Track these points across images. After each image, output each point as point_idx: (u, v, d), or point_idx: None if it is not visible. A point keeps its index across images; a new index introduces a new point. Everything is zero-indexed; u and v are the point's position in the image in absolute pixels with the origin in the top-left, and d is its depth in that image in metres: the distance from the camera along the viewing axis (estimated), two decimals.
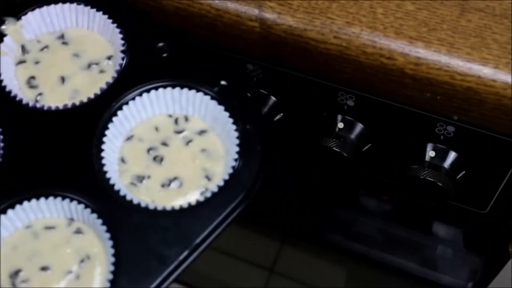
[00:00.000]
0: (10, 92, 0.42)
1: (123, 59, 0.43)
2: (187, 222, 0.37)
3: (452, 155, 0.43)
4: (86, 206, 0.38)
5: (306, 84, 0.44)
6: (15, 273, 0.37)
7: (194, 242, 0.36)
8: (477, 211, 0.48)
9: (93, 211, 0.38)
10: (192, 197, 0.39)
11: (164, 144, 0.42)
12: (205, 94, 0.42)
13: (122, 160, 0.41)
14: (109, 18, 0.45)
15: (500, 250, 0.55)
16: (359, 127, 0.44)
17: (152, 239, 0.37)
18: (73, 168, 0.40)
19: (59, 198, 0.39)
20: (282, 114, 0.47)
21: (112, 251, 0.37)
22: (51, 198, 0.39)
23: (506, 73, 0.37)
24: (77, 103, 0.42)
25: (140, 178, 0.41)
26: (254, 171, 0.38)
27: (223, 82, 0.42)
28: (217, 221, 0.37)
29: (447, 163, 0.43)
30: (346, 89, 0.42)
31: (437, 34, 0.39)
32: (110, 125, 0.41)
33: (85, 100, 0.42)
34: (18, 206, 0.38)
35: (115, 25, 0.45)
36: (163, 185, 0.40)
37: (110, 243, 0.37)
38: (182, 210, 0.38)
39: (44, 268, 0.38)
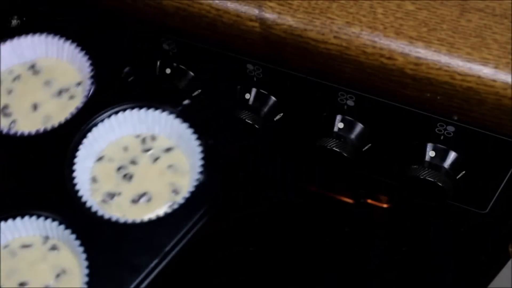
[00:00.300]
0: None
1: (91, 84, 0.46)
2: (156, 233, 0.39)
3: (452, 155, 0.43)
4: (60, 223, 0.41)
5: (306, 84, 0.44)
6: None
7: (163, 251, 0.39)
8: (477, 211, 0.48)
9: (67, 228, 0.40)
10: (161, 210, 0.42)
11: (133, 162, 0.45)
12: (170, 113, 0.45)
13: (94, 180, 0.44)
14: (77, 47, 0.48)
15: (500, 250, 0.55)
16: (359, 127, 0.44)
17: (123, 251, 0.39)
18: (47, 188, 0.42)
19: (34, 217, 0.41)
20: (282, 114, 0.47)
21: (86, 263, 0.39)
22: (27, 218, 0.41)
23: (506, 73, 0.37)
24: (49, 128, 0.45)
25: (111, 195, 0.43)
26: (217, 183, 0.42)
27: (185, 102, 0.45)
28: (184, 230, 0.39)
29: (447, 163, 0.43)
30: (346, 89, 0.42)
31: (437, 34, 0.39)
32: (81, 147, 0.44)
33: (56, 125, 0.45)
34: None
35: (83, 53, 0.48)
36: (133, 201, 0.43)
37: (84, 256, 0.39)
38: (150, 222, 0.41)
39: (22, 284, 0.40)
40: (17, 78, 0.49)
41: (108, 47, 0.46)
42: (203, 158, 0.43)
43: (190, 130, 0.44)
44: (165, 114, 0.45)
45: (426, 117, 0.41)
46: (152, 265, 0.38)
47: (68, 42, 0.48)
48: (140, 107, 0.45)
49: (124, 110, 0.46)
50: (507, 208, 0.48)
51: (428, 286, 0.71)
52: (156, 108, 0.45)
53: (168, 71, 0.48)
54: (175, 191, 0.43)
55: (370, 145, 0.46)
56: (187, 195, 0.42)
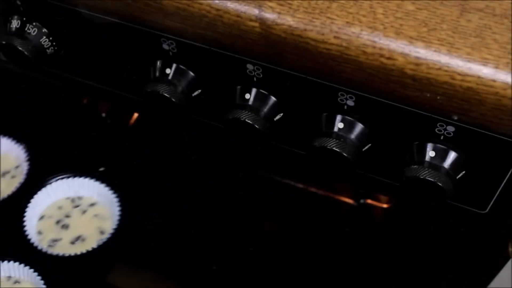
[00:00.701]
0: None
1: (28, 166, 0.64)
2: (91, 260, 0.58)
3: (452, 155, 0.43)
4: (20, 263, 0.56)
5: (306, 84, 0.44)
6: None
7: (99, 269, 0.57)
8: (477, 211, 0.48)
9: (25, 266, 0.56)
10: (92, 245, 0.59)
11: (67, 216, 0.63)
12: (90, 178, 0.64)
13: (39, 233, 0.61)
14: (14, 140, 0.66)
15: (500, 250, 0.55)
16: (359, 127, 0.44)
17: (70, 276, 0.55)
18: (5, 241, 0.58)
19: (5, 262, 0.56)
20: (282, 114, 0.47)
21: (43, 283, 0.54)
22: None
23: (506, 73, 0.37)
24: (1, 199, 0.61)
25: (55, 241, 0.61)
26: (131, 222, 0.61)
27: (101, 169, 0.65)
28: (112, 254, 0.58)
29: (447, 163, 0.43)
30: (346, 89, 0.42)
31: (437, 34, 0.39)
32: (27, 210, 0.60)
33: (6, 197, 0.61)
34: None
35: (19, 144, 0.65)
36: (72, 243, 0.61)
37: (42, 282, 0.54)
38: (86, 253, 0.58)
39: None
40: None
41: (39, 137, 0.63)
42: (120, 207, 0.62)
43: (107, 188, 0.63)
44: (86, 179, 0.64)
45: (426, 117, 0.41)
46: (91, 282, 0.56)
47: (5, 138, 0.66)
48: (68, 177, 0.64)
49: (56, 180, 0.63)
50: (507, 208, 0.48)
51: (428, 286, 0.71)
52: (79, 176, 0.64)
53: (168, 71, 0.48)
54: (102, 232, 0.62)
55: (370, 145, 0.46)
56: (110, 233, 0.60)
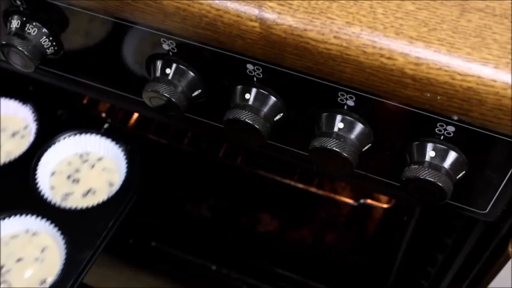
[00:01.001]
0: None
1: (36, 126, 0.67)
2: (103, 212, 0.62)
3: (452, 155, 0.43)
4: (37, 217, 0.61)
5: (306, 84, 0.43)
6: (0, 268, 0.59)
7: (110, 222, 0.61)
8: (477, 211, 0.48)
9: (42, 219, 0.61)
10: (103, 198, 0.63)
11: (77, 171, 0.67)
12: (96, 134, 0.67)
13: (52, 188, 0.65)
14: (20, 101, 0.70)
15: (500, 250, 0.55)
16: (359, 127, 0.44)
17: (83, 227, 0.60)
18: (24, 198, 0.62)
19: (18, 216, 0.61)
20: (282, 114, 0.47)
21: (62, 238, 0.59)
22: (12, 217, 0.61)
23: (506, 73, 0.37)
24: (12, 159, 0.65)
25: (67, 195, 0.65)
26: (138, 175, 0.65)
27: (105, 125, 0.68)
28: (121, 208, 0.62)
29: (447, 163, 0.43)
30: (346, 89, 0.42)
31: (437, 34, 0.39)
32: (38, 167, 0.64)
33: (17, 156, 0.66)
34: None
35: (26, 105, 0.69)
36: (83, 196, 0.65)
37: (59, 233, 0.59)
38: (98, 206, 0.62)
39: (19, 260, 0.60)
40: None
41: (45, 98, 0.65)
42: (126, 160, 0.65)
43: (112, 143, 0.67)
44: (93, 135, 0.67)
45: (426, 117, 0.41)
46: (109, 225, 0.60)
47: (13, 99, 0.69)
48: (75, 134, 0.67)
49: (63, 138, 0.67)
50: (507, 208, 0.48)
51: (428, 286, 0.71)
52: (86, 133, 0.67)
53: (168, 71, 0.48)
54: (111, 184, 0.65)
55: (370, 145, 0.46)
56: (118, 186, 0.64)
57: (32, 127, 0.68)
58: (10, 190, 0.63)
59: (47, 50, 0.53)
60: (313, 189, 1.04)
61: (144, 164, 0.65)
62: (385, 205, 1.02)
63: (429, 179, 0.42)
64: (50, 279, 0.58)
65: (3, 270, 0.59)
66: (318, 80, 0.43)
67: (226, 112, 0.46)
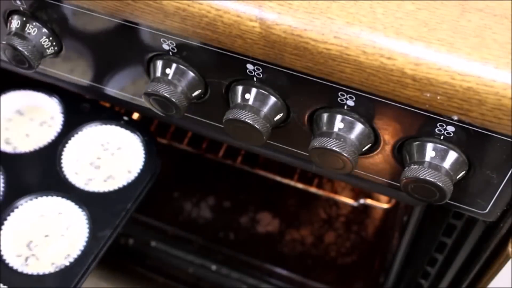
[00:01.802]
0: None
1: (63, 116, 0.74)
2: (122, 195, 0.68)
3: (452, 155, 0.43)
4: (62, 198, 0.68)
5: (306, 84, 0.44)
6: (29, 242, 0.66)
7: (128, 204, 0.68)
8: (477, 211, 0.48)
9: (67, 199, 0.68)
10: (122, 183, 0.70)
11: (99, 158, 0.73)
12: (116, 125, 0.73)
13: (76, 173, 0.71)
14: (46, 94, 0.75)
15: (500, 250, 0.55)
16: (359, 127, 0.44)
17: (105, 206, 0.67)
18: (50, 182, 0.70)
19: (46, 196, 0.68)
20: (282, 114, 0.47)
21: (86, 217, 0.66)
22: (42, 197, 0.68)
23: (506, 73, 0.37)
24: (42, 146, 0.72)
25: (90, 180, 0.71)
26: (154, 164, 0.71)
27: (125, 118, 0.73)
28: (138, 192, 0.69)
29: (447, 163, 0.43)
30: (346, 89, 0.42)
31: (437, 34, 0.39)
32: (62, 156, 0.71)
33: (46, 144, 0.72)
34: (25, 205, 0.68)
35: (53, 97, 0.75)
36: (104, 181, 0.71)
37: (83, 213, 0.67)
38: (117, 190, 0.69)
39: (46, 236, 0.67)
40: (10, 120, 0.76)
41: (70, 93, 0.66)
42: (144, 149, 0.72)
43: (131, 134, 0.73)
44: (113, 126, 0.73)
45: (426, 117, 0.41)
46: (123, 212, 0.67)
47: (43, 93, 0.75)
48: (96, 125, 0.73)
49: (87, 128, 0.73)
50: (507, 208, 0.48)
51: (428, 286, 0.71)
52: (107, 124, 0.73)
53: (168, 71, 0.48)
54: (129, 171, 0.71)
55: (370, 145, 0.46)
56: (136, 173, 0.70)
57: (59, 117, 0.74)
58: (39, 174, 0.70)
59: (47, 50, 0.53)
60: (313, 189, 1.04)
61: (159, 154, 0.72)
62: (385, 205, 1.02)
63: (429, 179, 0.42)
64: (74, 254, 0.65)
65: (32, 245, 0.66)
66: (318, 80, 0.43)
67: (226, 112, 0.46)
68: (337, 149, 0.43)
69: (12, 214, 0.67)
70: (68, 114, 0.75)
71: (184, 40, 0.46)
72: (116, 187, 0.69)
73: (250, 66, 0.45)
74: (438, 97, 0.39)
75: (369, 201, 1.03)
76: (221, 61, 0.46)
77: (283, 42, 0.41)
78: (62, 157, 0.71)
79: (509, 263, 0.55)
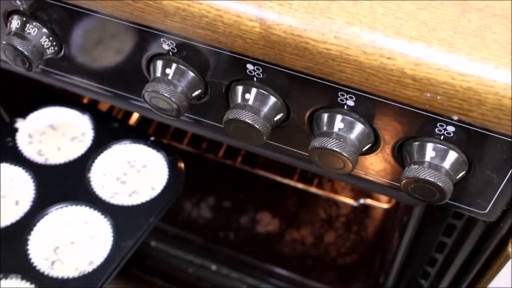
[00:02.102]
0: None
1: (93, 133, 0.79)
2: (144, 210, 0.73)
3: (452, 155, 0.43)
4: (90, 208, 0.73)
5: (306, 84, 0.44)
6: (56, 248, 0.70)
7: (152, 216, 0.72)
8: (477, 211, 0.48)
9: (94, 210, 0.73)
10: (145, 198, 0.74)
11: (125, 174, 0.78)
12: (143, 144, 0.79)
13: (102, 187, 0.75)
14: (79, 111, 0.82)
15: (500, 250, 0.55)
16: (359, 127, 0.44)
17: (129, 218, 0.72)
18: (79, 192, 0.75)
19: (74, 206, 0.73)
20: (282, 114, 0.47)
21: (111, 227, 0.71)
22: (71, 206, 0.73)
23: (506, 73, 0.37)
24: (72, 159, 0.77)
25: (115, 194, 0.75)
26: (177, 183, 0.76)
27: (152, 138, 0.79)
28: (160, 208, 0.74)
29: (447, 163, 0.43)
30: (346, 89, 0.42)
31: (437, 34, 0.39)
32: (92, 168, 0.76)
33: (76, 157, 0.77)
34: (54, 213, 0.72)
35: (84, 114, 0.81)
36: (129, 195, 0.75)
37: (109, 222, 0.71)
38: (141, 204, 0.74)
39: (72, 243, 0.71)
40: (43, 133, 0.81)
41: (100, 111, 0.76)
42: (168, 167, 0.77)
43: (157, 153, 0.78)
44: (141, 145, 0.78)
45: (426, 117, 0.41)
46: (146, 226, 0.71)
47: (74, 110, 0.81)
48: (125, 143, 0.78)
49: (116, 145, 0.78)
50: (507, 208, 0.48)
51: (428, 286, 0.71)
52: (135, 143, 0.79)
53: (168, 71, 0.48)
54: (152, 188, 0.76)
55: (370, 145, 0.46)
56: (160, 189, 0.75)
57: (89, 134, 0.80)
58: (68, 185, 0.75)
59: (47, 50, 0.53)
60: (313, 189, 1.04)
61: (183, 173, 0.77)
62: (385, 205, 1.02)
63: (429, 179, 0.42)
64: (97, 261, 0.69)
65: (58, 250, 0.70)
66: (318, 80, 0.43)
67: (226, 112, 0.46)
68: (337, 149, 0.43)
69: (41, 220, 0.71)
70: (98, 131, 0.80)
71: (184, 40, 0.46)
72: (140, 202, 0.74)
73: (250, 66, 0.45)
74: (438, 97, 0.39)
75: (369, 201, 1.03)
76: (221, 61, 0.46)
77: (283, 42, 0.41)
78: (91, 171, 0.76)
79: (509, 263, 0.55)
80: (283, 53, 0.42)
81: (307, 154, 0.46)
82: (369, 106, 0.43)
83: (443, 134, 0.42)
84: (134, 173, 0.78)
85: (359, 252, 1.07)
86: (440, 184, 0.42)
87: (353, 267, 1.05)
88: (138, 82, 0.53)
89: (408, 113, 0.42)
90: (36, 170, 0.75)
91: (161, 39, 0.47)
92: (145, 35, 0.47)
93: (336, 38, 0.40)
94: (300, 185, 1.03)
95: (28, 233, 0.70)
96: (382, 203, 1.02)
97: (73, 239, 0.71)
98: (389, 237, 0.92)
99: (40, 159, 0.77)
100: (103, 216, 0.72)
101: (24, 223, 0.70)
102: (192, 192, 1.13)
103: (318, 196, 1.09)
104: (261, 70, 0.45)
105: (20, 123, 0.80)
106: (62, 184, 0.75)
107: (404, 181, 0.43)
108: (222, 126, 0.48)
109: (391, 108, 0.42)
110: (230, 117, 0.46)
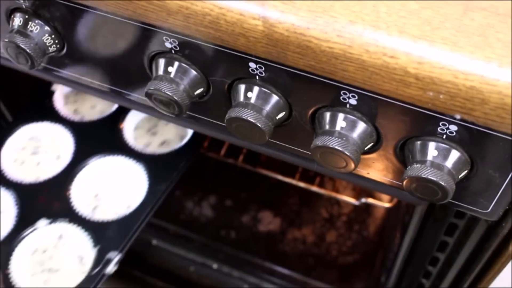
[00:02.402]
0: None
1: None
2: (174, 157, 0.80)
3: (454, 154, 0.43)
4: (125, 157, 0.79)
5: (309, 82, 0.43)
6: (96, 194, 0.77)
7: (182, 162, 0.80)
8: (479, 210, 0.48)
9: (129, 159, 0.80)
10: (177, 147, 0.82)
11: (155, 125, 0.83)
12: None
13: (135, 138, 0.82)
14: None
15: (502, 249, 0.55)
16: (361, 126, 0.44)
17: (161, 166, 0.79)
18: (114, 144, 0.82)
19: (111, 155, 0.80)
20: (284, 112, 0.47)
21: (144, 174, 0.78)
22: (108, 156, 0.80)
23: (509, 72, 0.37)
24: (106, 115, 0.85)
25: (148, 144, 0.81)
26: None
27: None
28: (189, 155, 0.81)
29: (449, 162, 0.43)
30: (348, 87, 0.42)
31: (441, 32, 0.39)
32: (124, 123, 0.83)
33: (110, 113, 0.85)
34: (93, 163, 0.80)
35: None
36: (159, 145, 0.81)
37: (143, 170, 0.79)
38: (172, 152, 0.81)
39: (111, 189, 0.78)
40: (76, 94, 0.87)
41: None
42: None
43: None
44: None
45: (429, 116, 0.41)
46: (176, 172, 0.79)
47: None
48: None
49: None
50: (509, 207, 0.48)
51: (429, 285, 0.71)
52: None
53: (170, 69, 0.48)
54: (182, 137, 0.82)
55: (372, 144, 0.46)
56: (188, 138, 0.82)
57: None
58: (104, 138, 0.82)
59: (49, 48, 0.53)
60: (314, 188, 1.04)
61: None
62: (386, 204, 1.02)
63: (431, 178, 0.42)
64: (134, 205, 0.75)
65: (98, 197, 0.77)
66: (321, 79, 0.43)
67: (229, 111, 0.46)
68: (339, 148, 0.43)
69: (82, 170, 0.79)
70: None
71: (187, 38, 0.45)
72: (170, 150, 0.81)
73: (252, 65, 0.45)
74: (441, 96, 0.39)
75: (370, 200, 1.03)
76: (223, 59, 0.46)
77: (286, 40, 0.41)
78: (124, 124, 0.83)
79: (510, 262, 0.55)
80: (285, 51, 0.42)
81: (309, 152, 0.46)
82: (371, 105, 0.43)
83: (446, 133, 0.42)
84: (164, 125, 0.83)
85: (361, 251, 1.07)
86: (442, 183, 0.42)
87: (355, 266, 1.05)
88: (141, 80, 0.53)
89: (410, 112, 0.42)
90: (74, 127, 0.83)
91: (164, 37, 0.47)
92: (147, 33, 0.47)
93: (339, 37, 0.40)
94: (302, 184, 1.03)
95: (70, 183, 0.77)
96: (383, 202, 1.02)
97: (111, 186, 0.78)
98: (391, 236, 0.92)
99: (76, 118, 0.84)
100: (137, 164, 0.79)
101: (66, 174, 0.78)
102: (194, 191, 1.13)
103: (319, 195, 1.09)
104: (263, 69, 0.45)
105: (56, 86, 0.88)
106: (98, 138, 0.82)
107: (406, 180, 0.43)
108: (224, 124, 0.48)
109: (394, 107, 0.42)
110: (232, 116, 0.46)
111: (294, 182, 1.03)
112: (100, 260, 0.71)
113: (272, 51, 0.42)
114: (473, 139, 0.41)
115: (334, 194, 1.07)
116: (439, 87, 0.38)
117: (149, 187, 0.77)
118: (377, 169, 0.49)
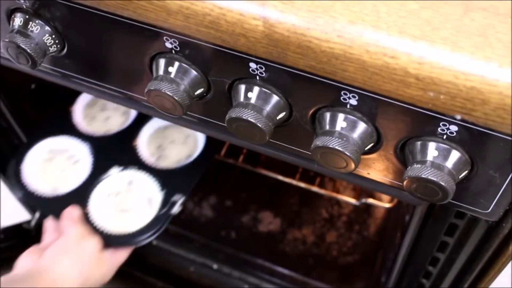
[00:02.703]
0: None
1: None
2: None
3: (454, 155, 0.43)
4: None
5: (309, 83, 0.43)
6: (159, 146, 0.88)
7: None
8: (479, 211, 0.48)
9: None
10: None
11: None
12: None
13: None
14: None
15: (502, 249, 0.55)
16: (361, 126, 0.44)
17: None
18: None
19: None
20: (284, 113, 0.47)
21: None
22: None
23: (509, 72, 0.37)
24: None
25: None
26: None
27: None
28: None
29: (449, 163, 0.43)
30: (349, 88, 0.42)
31: (441, 33, 0.39)
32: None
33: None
34: (154, 121, 0.90)
35: None
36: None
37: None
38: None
39: (171, 141, 0.88)
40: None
41: None
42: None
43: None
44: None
45: (429, 116, 0.41)
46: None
47: None
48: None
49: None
50: (509, 207, 0.48)
51: (429, 285, 0.71)
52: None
53: (170, 69, 0.48)
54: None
55: (372, 144, 0.46)
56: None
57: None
58: (120, 151, 0.88)
59: (49, 48, 0.53)
60: (315, 188, 1.04)
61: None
62: (387, 204, 1.02)
63: (432, 178, 0.42)
64: (194, 155, 0.86)
65: (161, 148, 0.87)
66: (321, 79, 0.43)
67: (229, 111, 0.46)
68: (339, 148, 0.43)
69: (146, 124, 0.89)
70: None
71: (187, 39, 0.46)
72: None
73: (253, 65, 0.45)
74: (441, 96, 0.39)
75: (371, 200, 1.03)
76: (224, 59, 0.46)
77: (286, 40, 0.41)
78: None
79: (511, 262, 0.55)
80: (286, 51, 0.42)
81: (310, 153, 0.46)
82: (372, 105, 0.43)
83: (446, 133, 0.42)
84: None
85: (361, 251, 1.07)
86: (443, 184, 0.42)
87: (355, 267, 1.05)
88: (141, 80, 0.53)
89: (411, 112, 0.42)
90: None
91: (164, 37, 0.47)
92: (148, 33, 0.47)
93: (339, 37, 0.40)
94: (302, 184, 1.03)
95: (136, 136, 0.88)
96: (384, 203, 1.02)
97: (173, 138, 0.88)
98: (391, 237, 0.92)
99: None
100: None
101: (132, 129, 0.89)
102: (194, 191, 1.13)
103: (320, 195, 1.09)
104: (264, 69, 0.45)
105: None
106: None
107: (406, 180, 0.43)
108: (225, 124, 0.48)
109: (394, 107, 0.42)
110: (233, 116, 0.46)
111: (294, 182, 1.03)
112: (167, 202, 0.81)
113: (273, 52, 0.42)
114: (474, 139, 0.41)
115: (334, 194, 1.07)
116: (440, 88, 0.38)
117: (207, 137, 0.86)
118: (377, 169, 0.49)
